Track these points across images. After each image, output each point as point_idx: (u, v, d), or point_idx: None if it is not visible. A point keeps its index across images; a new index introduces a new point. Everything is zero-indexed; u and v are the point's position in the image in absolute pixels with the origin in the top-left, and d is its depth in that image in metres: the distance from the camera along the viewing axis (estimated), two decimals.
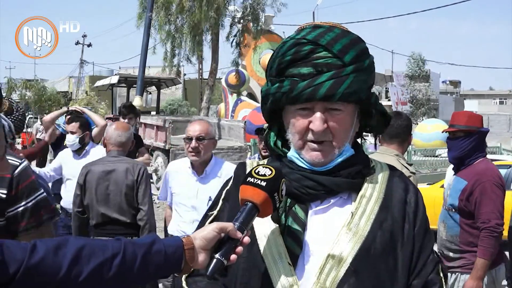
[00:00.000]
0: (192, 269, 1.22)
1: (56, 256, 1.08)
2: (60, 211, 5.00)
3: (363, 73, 1.37)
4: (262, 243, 1.35)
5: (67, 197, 4.76)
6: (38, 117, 24.50)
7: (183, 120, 15.04)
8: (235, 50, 19.38)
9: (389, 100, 34.25)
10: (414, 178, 3.38)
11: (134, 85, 16.10)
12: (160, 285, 4.41)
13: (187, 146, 3.67)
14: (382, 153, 3.52)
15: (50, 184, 5.14)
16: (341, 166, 1.39)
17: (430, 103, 30.43)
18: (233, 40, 19.38)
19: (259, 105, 2.25)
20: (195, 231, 1.28)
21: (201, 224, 1.48)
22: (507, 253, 3.95)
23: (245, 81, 20.51)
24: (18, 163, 2.30)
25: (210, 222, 1.45)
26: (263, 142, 3.60)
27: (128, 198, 3.83)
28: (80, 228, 4.07)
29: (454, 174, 3.68)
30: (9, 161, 2.24)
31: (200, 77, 28.25)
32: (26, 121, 2.96)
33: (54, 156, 5.76)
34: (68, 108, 6.81)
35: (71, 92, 41.41)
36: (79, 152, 5.16)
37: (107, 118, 11.47)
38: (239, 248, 1.22)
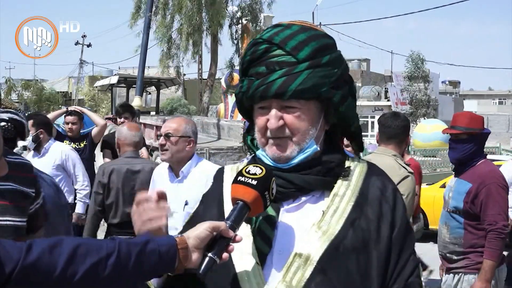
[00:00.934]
0: (185, 268, 1.22)
1: (51, 255, 1.09)
2: None
3: (321, 68, 1.36)
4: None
5: None
6: None
7: None
8: (234, 50, 19.41)
9: (388, 100, 34.23)
10: (412, 178, 3.39)
11: (134, 85, 16.10)
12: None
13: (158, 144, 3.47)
14: (380, 154, 3.54)
15: None
16: (310, 164, 1.38)
17: (430, 103, 30.38)
18: (233, 40, 19.41)
19: None
20: (180, 232, 1.31)
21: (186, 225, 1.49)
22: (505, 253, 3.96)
23: None
24: (29, 162, 2.44)
25: (185, 224, 1.48)
26: None
27: None
28: (95, 228, 4.11)
29: (455, 176, 3.69)
30: (18, 160, 2.34)
31: (200, 77, 28.22)
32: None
33: None
34: (67, 108, 6.81)
35: (70, 92, 41.42)
36: (38, 150, 5.17)
37: (106, 118, 11.48)
38: (231, 247, 1.23)
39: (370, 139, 27.22)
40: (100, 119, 6.83)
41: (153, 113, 19.73)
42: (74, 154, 5.39)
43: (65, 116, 6.43)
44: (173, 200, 3.53)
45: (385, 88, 36.88)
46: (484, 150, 3.68)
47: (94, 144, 6.47)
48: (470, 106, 50.89)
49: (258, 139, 1.42)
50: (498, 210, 3.35)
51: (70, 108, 6.68)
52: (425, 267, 6.02)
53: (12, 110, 3.13)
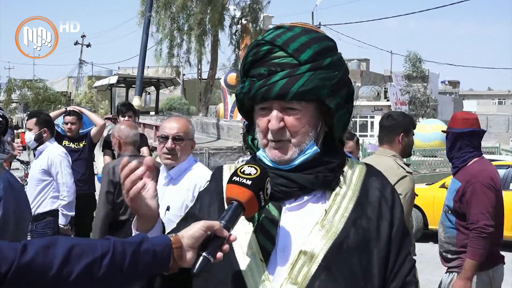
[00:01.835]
0: (179, 267, 1.22)
1: (46, 255, 1.08)
2: None
3: (322, 71, 1.37)
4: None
5: None
6: None
7: None
8: (233, 50, 19.44)
9: (388, 100, 34.26)
10: (411, 178, 3.41)
11: (133, 85, 16.10)
12: None
13: (161, 147, 3.08)
14: (379, 154, 3.56)
15: None
16: (311, 164, 1.40)
17: (429, 103, 30.39)
18: (232, 39, 19.43)
19: None
20: (169, 232, 1.32)
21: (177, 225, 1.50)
22: (506, 254, 3.94)
23: None
24: None
25: (180, 221, 1.50)
26: None
27: None
28: (106, 227, 3.91)
29: (452, 176, 3.72)
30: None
31: (199, 77, 28.24)
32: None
33: None
34: (66, 108, 6.81)
35: (70, 92, 41.43)
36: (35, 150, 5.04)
37: (106, 118, 11.48)
38: (225, 246, 1.23)
39: (369, 139, 27.23)
40: (99, 119, 6.83)
41: (152, 113, 19.74)
42: (59, 160, 4.97)
43: (64, 116, 6.43)
44: (161, 205, 3.44)
45: (385, 88, 36.91)
46: (484, 150, 3.69)
47: (93, 144, 6.47)
48: (469, 106, 50.96)
49: (260, 140, 1.44)
50: (480, 209, 3.36)
51: (69, 108, 6.67)
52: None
53: None
